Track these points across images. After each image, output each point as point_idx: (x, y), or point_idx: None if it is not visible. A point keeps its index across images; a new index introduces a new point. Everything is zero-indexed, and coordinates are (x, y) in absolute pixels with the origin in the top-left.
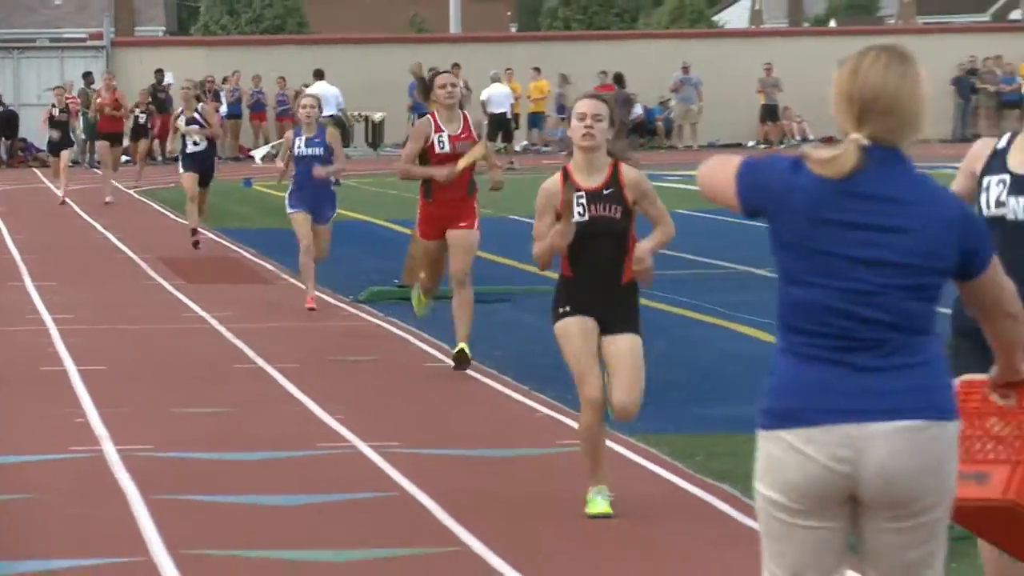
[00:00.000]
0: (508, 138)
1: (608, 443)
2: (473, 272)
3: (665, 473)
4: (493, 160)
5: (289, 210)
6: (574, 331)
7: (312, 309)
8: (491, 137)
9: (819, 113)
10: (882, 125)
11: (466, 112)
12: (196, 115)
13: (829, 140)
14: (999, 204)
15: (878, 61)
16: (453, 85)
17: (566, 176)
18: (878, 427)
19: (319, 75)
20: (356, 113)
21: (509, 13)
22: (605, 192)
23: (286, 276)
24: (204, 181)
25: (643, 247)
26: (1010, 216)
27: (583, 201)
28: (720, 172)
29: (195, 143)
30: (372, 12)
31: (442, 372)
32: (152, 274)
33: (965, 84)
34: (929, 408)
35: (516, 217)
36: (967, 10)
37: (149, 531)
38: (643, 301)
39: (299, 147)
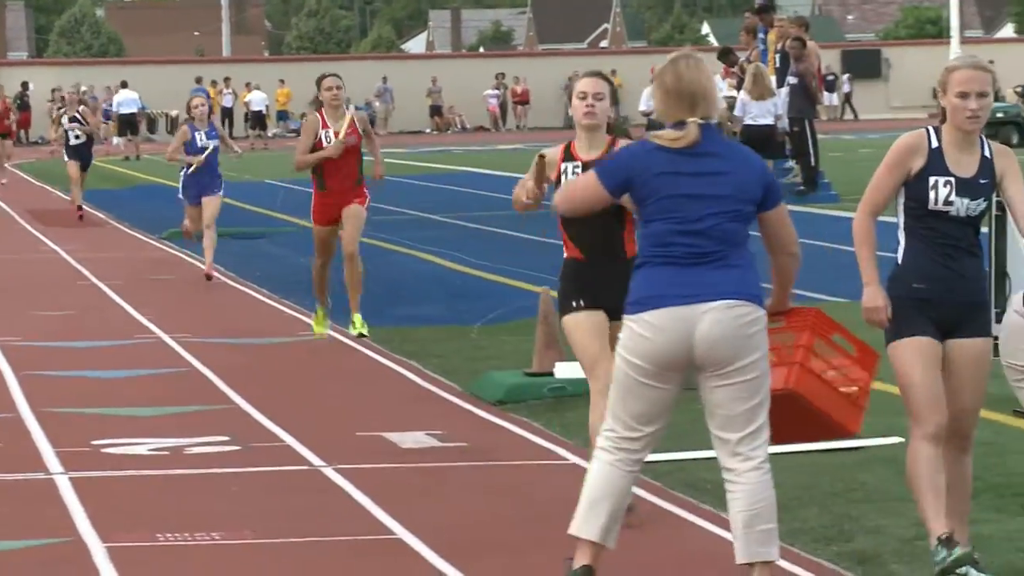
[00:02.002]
0: (263, 127)
1: (331, 332)
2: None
3: (371, 354)
4: (377, 155)
5: (185, 202)
6: (585, 326)
7: (209, 277)
8: (252, 127)
9: (473, 110)
10: (706, 109)
11: (351, 110)
12: (77, 115)
13: (480, 128)
14: (947, 202)
15: (690, 64)
16: (338, 88)
17: (567, 149)
18: (703, 306)
19: (124, 84)
20: (159, 111)
21: (263, 43)
22: None
23: (112, 222)
24: (84, 167)
25: None
26: (953, 212)
27: (579, 171)
28: (577, 186)
29: (76, 136)
30: (170, 40)
31: (220, 285)
32: (21, 221)
33: (571, 90)
34: (739, 293)
35: (270, 181)
36: (571, 40)
37: (18, 396)
38: (362, 239)
39: (201, 140)
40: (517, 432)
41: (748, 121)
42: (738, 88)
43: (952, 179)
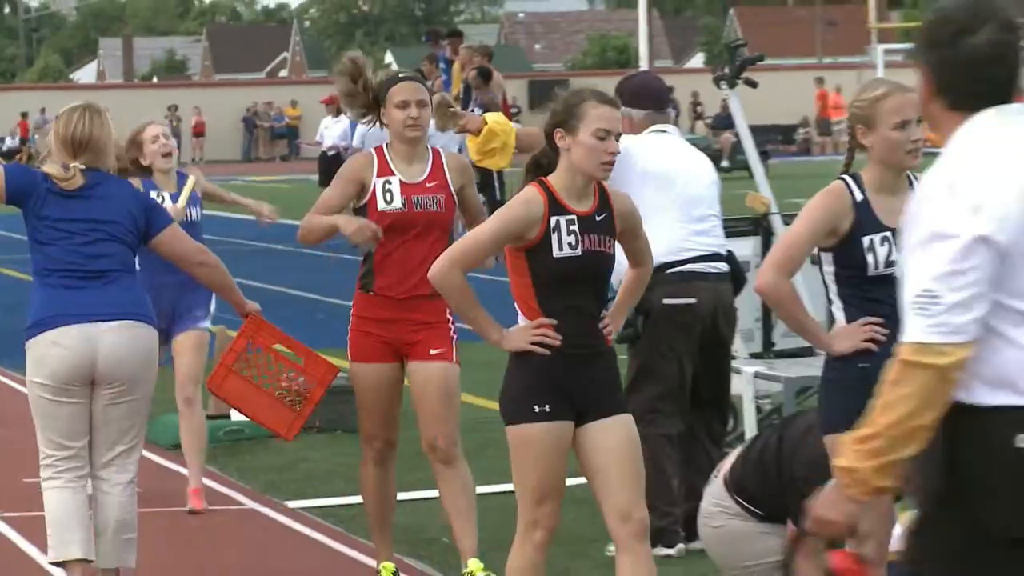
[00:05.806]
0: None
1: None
2: None
3: None
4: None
5: None
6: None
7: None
8: None
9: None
10: (90, 156)
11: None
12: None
13: None
14: (888, 264)
15: (84, 115)
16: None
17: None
18: (105, 324)
19: None
20: None
21: None
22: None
23: None
24: None
25: None
26: (899, 273)
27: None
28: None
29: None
30: None
31: None
32: None
33: (249, 121)
34: (136, 315)
35: None
36: (249, 70)
37: None
38: None
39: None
40: None
41: None
42: None
43: (888, 233)
